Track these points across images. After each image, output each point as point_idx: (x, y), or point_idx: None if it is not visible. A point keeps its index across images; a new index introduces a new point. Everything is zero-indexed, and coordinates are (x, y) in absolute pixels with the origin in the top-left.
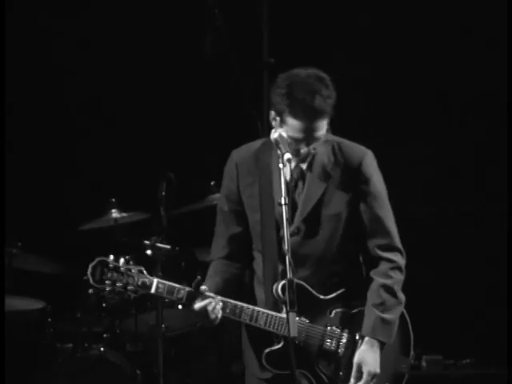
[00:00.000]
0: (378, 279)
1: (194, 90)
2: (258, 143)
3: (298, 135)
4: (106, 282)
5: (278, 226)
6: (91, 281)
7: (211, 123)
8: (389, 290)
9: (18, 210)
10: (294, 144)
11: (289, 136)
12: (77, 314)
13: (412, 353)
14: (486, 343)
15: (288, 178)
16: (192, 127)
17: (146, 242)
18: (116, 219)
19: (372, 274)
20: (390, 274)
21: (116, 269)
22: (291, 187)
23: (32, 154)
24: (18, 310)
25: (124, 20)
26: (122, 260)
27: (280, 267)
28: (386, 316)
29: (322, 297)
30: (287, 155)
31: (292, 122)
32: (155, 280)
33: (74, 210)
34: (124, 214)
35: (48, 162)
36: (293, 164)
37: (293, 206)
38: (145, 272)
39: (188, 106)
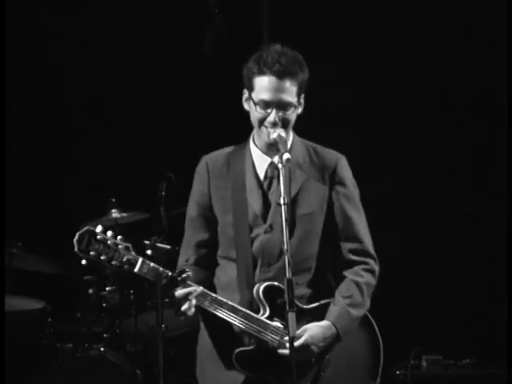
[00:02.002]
0: (349, 276)
1: (193, 90)
2: (228, 149)
3: (265, 95)
4: (91, 252)
5: (251, 229)
6: (76, 248)
7: (211, 123)
8: (358, 286)
9: (17, 209)
10: (263, 113)
11: (257, 101)
12: (77, 314)
13: (379, 379)
14: (486, 343)
15: (262, 175)
16: (192, 127)
17: (146, 242)
18: (116, 219)
19: (344, 272)
20: (361, 273)
21: (103, 241)
22: (266, 185)
23: (32, 153)
24: (18, 309)
25: (124, 20)
26: (109, 233)
27: (251, 268)
28: (350, 310)
29: (303, 306)
30: (286, 155)
31: (259, 80)
32: (140, 259)
33: (74, 210)
34: (124, 214)
35: (48, 162)
36: (267, 162)
37: (266, 205)
38: (131, 249)
39: (188, 106)
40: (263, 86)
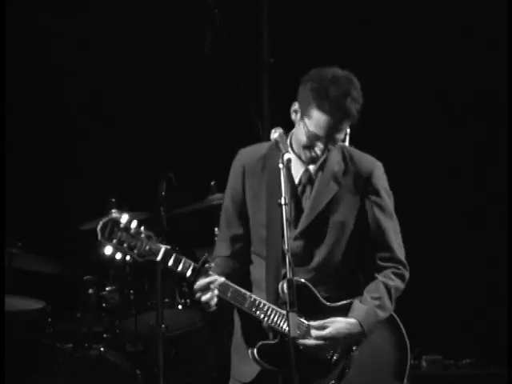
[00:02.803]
0: (380, 278)
1: (193, 90)
2: (266, 145)
3: (320, 131)
4: (114, 240)
5: (292, 234)
6: (99, 236)
7: (211, 123)
8: (387, 289)
9: (17, 209)
10: (312, 140)
11: (309, 131)
12: (77, 314)
13: (406, 381)
14: (486, 343)
15: (296, 180)
16: (192, 127)
17: None
18: None
19: (376, 274)
20: (391, 276)
21: (126, 229)
22: (300, 191)
23: (32, 153)
24: (18, 309)
25: (124, 20)
26: (134, 222)
27: (283, 270)
28: (378, 311)
29: (327, 303)
30: (287, 155)
31: (318, 115)
32: (163, 247)
33: (74, 210)
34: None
35: (48, 162)
36: (302, 168)
37: (299, 210)
38: (154, 238)
39: (188, 106)
40: (320, 123)
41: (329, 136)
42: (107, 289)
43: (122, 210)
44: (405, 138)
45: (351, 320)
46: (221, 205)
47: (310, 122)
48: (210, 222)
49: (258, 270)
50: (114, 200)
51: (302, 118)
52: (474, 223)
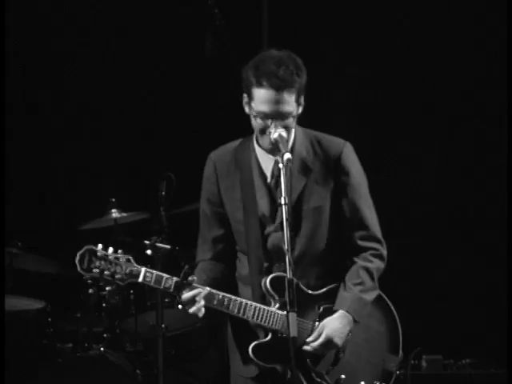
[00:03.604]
0: (358, 262)
1: (193, 90)
2: (235, 143)
3: (265, 107)
4: (94, 270)
5: (262, 225)
6: (79, 268)
7: (211, 123)
8: (368, 272)
9: (17, 209)
10: (262, 121)
11: (256, 112)
12: (77, 314)
13: (401, 352)
14: (486, 343)
15: (268, 173)
16: (192, 127)
17: (146, 242)
18: (116, 219)
19: (354, 258)
20: (370, 258)
21: (104, 257)
22: (273, 184)
23: (32, 153)
24: (18, 309)
25: (124, 20)
26: (110, 249)
27: (265, 264)
28: (363, 296)
29: (310, 292)
30: (287, 155)
31: (258, 92)
32: (143, 269)
33: (74, 210)
34: (124, 214)
35: (48, 162)
36: (272, 161)
37: (274, 203)
38: (132, 261)
39: (188, 106)
40: (261, 98)
41: (274, 110)
42: (107, 289)
43: (122, 209)
44: (405, 138)
45: (339, 313)
46: None
47: (254, 103)
48: None
49: (243, 266)
50: (113, 200)
51: (249, 104)
52: (474, 223)
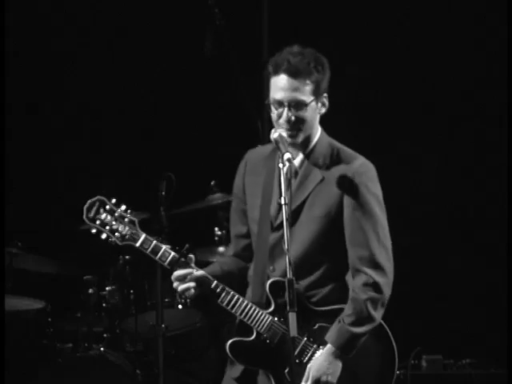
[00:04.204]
0: (352, 292)
1: (193, 90)
2: (271, 146)
3: (279, 94)
4: (97, 221)
5: (273, 227)
6: (84, 215)
7: (211, 123)
8: (360, 304)
9: (17, 209)
10: (277, 110)
11: (272, 100)
12: (77, 314)
13: (396, 371)
14: (486, 343)
15: (286, 176)
16: (192, 127)
17: None
18: None
19: (349, 284)
20: (363, 288)
21: (111, 212)
22: (287, 186)
23: (32, 153)
24: (18, 309)
25: (124, 20)
26: (122, 207)
27: (269, 266)
28: (353, 329)
29: (311, 307)
30: (287, 155)
31: (274, 80)
32: (143, 235)
33: (74, 210)
34: None
35: (48, 162)
36: (287, 163)
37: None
38: (137, 224)
39: (188, 106)
40: (276, 85)
41: (288, 96)
42: (107, 289)
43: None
44: (405, 138)
45: (327, 348)
46: (221, 204)
47: (271, 93)
48: (210, 221)
49: (252, 265)
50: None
51: (268, 100)
52: (474, 223)
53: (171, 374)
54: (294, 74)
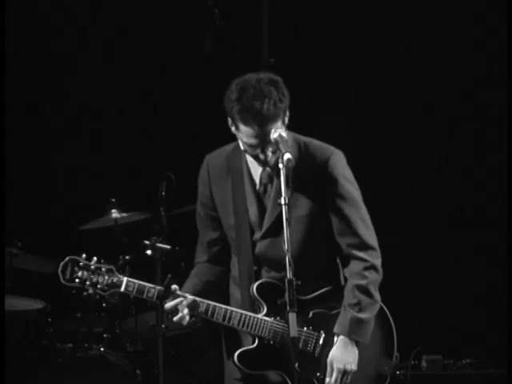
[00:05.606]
0: (351, 280)
1: (193, 90)
2: (230, 146)
3: (252, 141)
4: (76, 280)
5: (252, 229)
6: (61, 279)
7: (211, 123)
8: (363, 290)
9: (17, 209)
10: (250, 150)
11: (243, 142)
12: (77, 314)
13: (396, 354)
14: (486, 343)
15: (257, 180)
16: (192, 127)
17: (146, 242)
18: (116, 219)
19: (346, 273)
20: (363, 273)
21: (86, 267)
22: (262, 191)
23: (32, 153)
24: (18, 309)
25: (124, 20)
26: (94, 258)
27: (254, 268)
28: (361, 316)
29: (300, 297)
30: (287, 155)
31: (243, 128)
32: (125, 279)
33: (74, 210)
34: (124, 214)
35: (48, 162)
36: (260, 169)
37: (263, 211)
38: (115, 270)
39: (188, 106)
40: (249, 134)
41: (261, 143)
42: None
43: (122, 209)
44: (405, 138)
45: (342, 339)
46: None
47: (241, 135)
48: None
49: (235, 267)
50: (113, 200)
51: (235, 129)
52: (474, 223)
53: (171, 373)
54: (264, 122)
